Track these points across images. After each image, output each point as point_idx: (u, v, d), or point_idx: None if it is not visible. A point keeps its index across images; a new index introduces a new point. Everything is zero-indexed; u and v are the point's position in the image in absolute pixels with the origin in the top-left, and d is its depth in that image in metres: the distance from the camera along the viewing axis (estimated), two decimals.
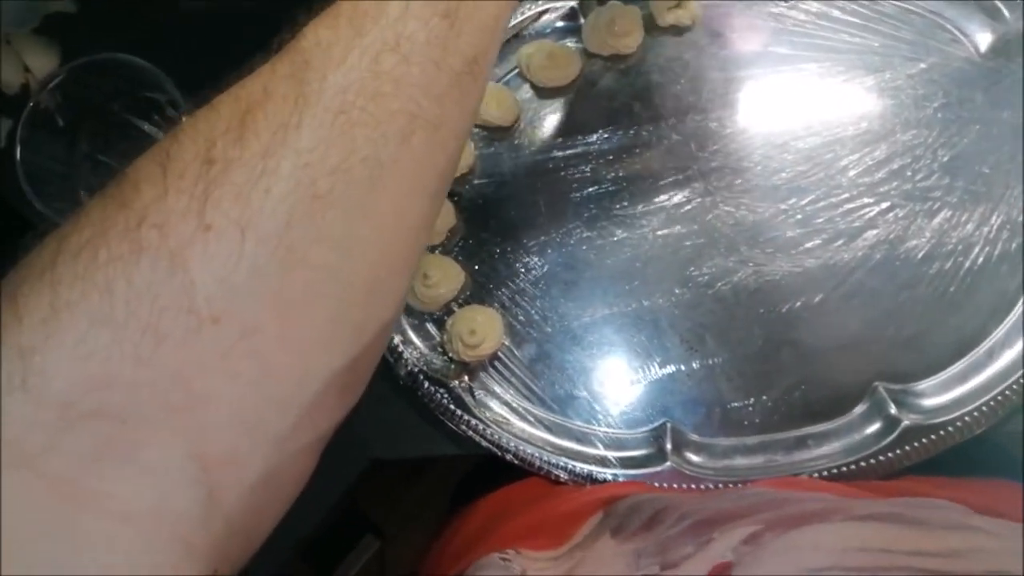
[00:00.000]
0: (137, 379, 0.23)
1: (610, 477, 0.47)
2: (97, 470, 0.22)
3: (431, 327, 0.50)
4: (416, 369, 0.49)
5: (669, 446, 0.47)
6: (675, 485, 0.46)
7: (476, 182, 0.52)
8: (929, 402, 0.46)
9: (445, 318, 0.50)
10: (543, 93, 0.52)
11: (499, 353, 0.50)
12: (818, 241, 0.48)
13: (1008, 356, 0.45)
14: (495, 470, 0.48)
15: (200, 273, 0.24)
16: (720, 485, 0.46)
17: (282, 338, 0.25)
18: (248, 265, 0.24)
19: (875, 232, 0.47)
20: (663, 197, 0.50)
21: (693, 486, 0.46)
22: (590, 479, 0.47)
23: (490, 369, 0.50)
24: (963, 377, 0.46)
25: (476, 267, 0.51)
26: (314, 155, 0.25)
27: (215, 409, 0.24)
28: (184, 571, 0.24)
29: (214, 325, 0.24)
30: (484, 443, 0.48)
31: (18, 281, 0.24)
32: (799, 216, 0.48)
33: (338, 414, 0.29)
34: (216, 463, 0.24)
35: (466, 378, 0.49)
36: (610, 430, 0.48)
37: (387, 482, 0.84)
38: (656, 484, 0.46)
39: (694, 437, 0.47)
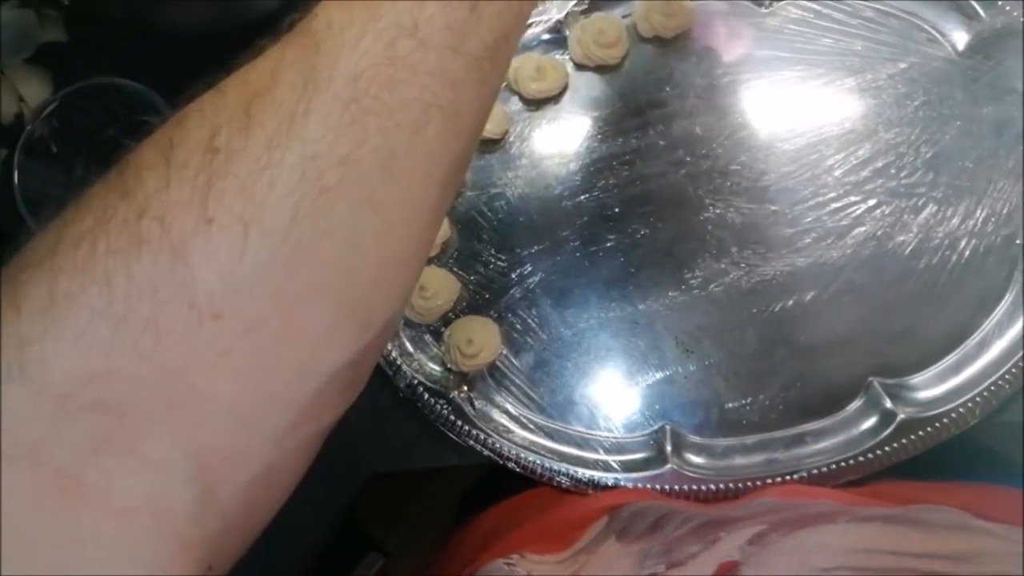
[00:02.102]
0: (137, 374, 0.23)
1: (612, 481, 0.48)
2: (95, 463, 0.22)
3: (429, 339, 0.51)
4: (415, 381, 0.49)
5: (669, 448, 0.47)
6: (677, 487, 0.47)
7: (469, 194, 0.52)
8: (924, 395, 0.46)
9: (442, 330, 0.50)
10: (532, 105, 0.53)
11: (497, 362, 0.50)
12: (807, 240, 0.48)
13: (999, 346, 0.46)
14: (498, 484, 0.49)
15: (201, 268, 0.23)
16: (721, 486, 0.46)
17: (285, 334, 0.25)
18: (251, 260, 0.24)
19: (863, 229, 0.48)
20: (651, 203, 0.50)
21: (694, 487, 0.46)
22: (592, 484, 0.47)
23: (489, 379, 0.50)
24: (956, 369, 0.46)
25: (472, 278, 0.51)
26: (322, 145, 0.24)
27: (215, 405, 0.24)
28: (179, 567, 0.23)
29: (215, 321, 0.23)
30: (485, 452, 0.48)
31: (18, 269, 0.23)
32: (788, 216, 0.49)
33: (339, 410, 0.28)
34: (214, 460, 0.24)
35: (465, 388, 0.49)
36: (610, 434, 0.49)
37: (390, 498, 0.83)
38: (658, 487, 0.47)
39: (693, 438, 0.48)
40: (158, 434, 0.23)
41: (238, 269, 0.23)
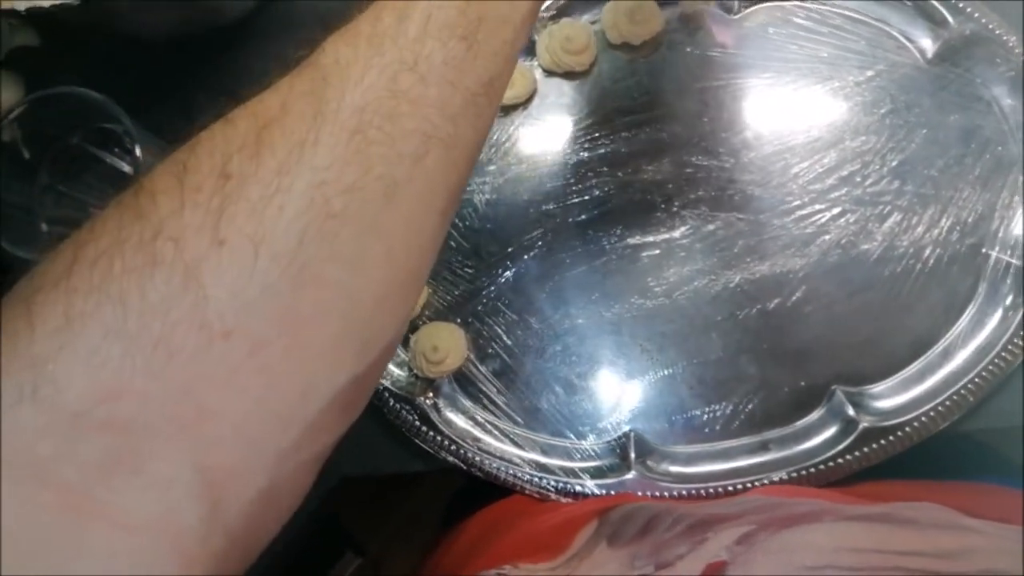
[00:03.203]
0: (148, 391, 0.23)
1: (578, 488, 0.48)
2: (105, 481, 0.23)
3: None
4: (381, 387, 0.50)
5: (633, 455, 0.47)
6: (643, 493, 0.47)
7: None
8: (886, 403, 0.46)
9: (409, 336, 0.50)
10: (500, 111, 0.53)
11: (463, 369, 0.50)
12: (772, 248, 0.49)
13: (962, 356, 0.46)
14: (489, 485, 0.49)
15: (213, 288, 0.24)
16: (684, 492, 0.46)
17: (289, 354, 0.25)
18: (260, 281, 0.25)
19: (827, 238, 0.48)
20: (618, 210, 0.50)
21: (658, 494, 0.47)
22: (556, 491, 0.48)
23: (455, 385, 0.50)
24: (919, 378, 0.46)
25: (438, 284, 0.51)
26: (329, 173, 0.26)
27: (221, 424, 0.24)
28: None
29: (225, 340, 0.24)
30: (451, 459, 0.49)
31: (32, 289, 0.24)
32: (753, 224, 0.49)
33: (339, 430, 0.29)
34: (220, 477, 0.24)
35: (431, 394, 0.50)
36: (575, 441, 0.49)
37: (371, 499, 0.84)
38: (631, 493, 0.47)
39: (658, 445, 0.48)
40: (167, 452, 0.23)
41: (248, 289, 0.24)
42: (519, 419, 0.50)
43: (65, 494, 0.22)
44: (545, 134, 0.52)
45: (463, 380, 0.50)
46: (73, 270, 0.24)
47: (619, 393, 0.49)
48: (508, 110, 0.53)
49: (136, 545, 0.23)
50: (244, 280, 0.24)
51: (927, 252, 0.47)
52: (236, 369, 0.24)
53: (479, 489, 0.49)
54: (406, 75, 0.27)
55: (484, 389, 0.50)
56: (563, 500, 0.48)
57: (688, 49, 0.52)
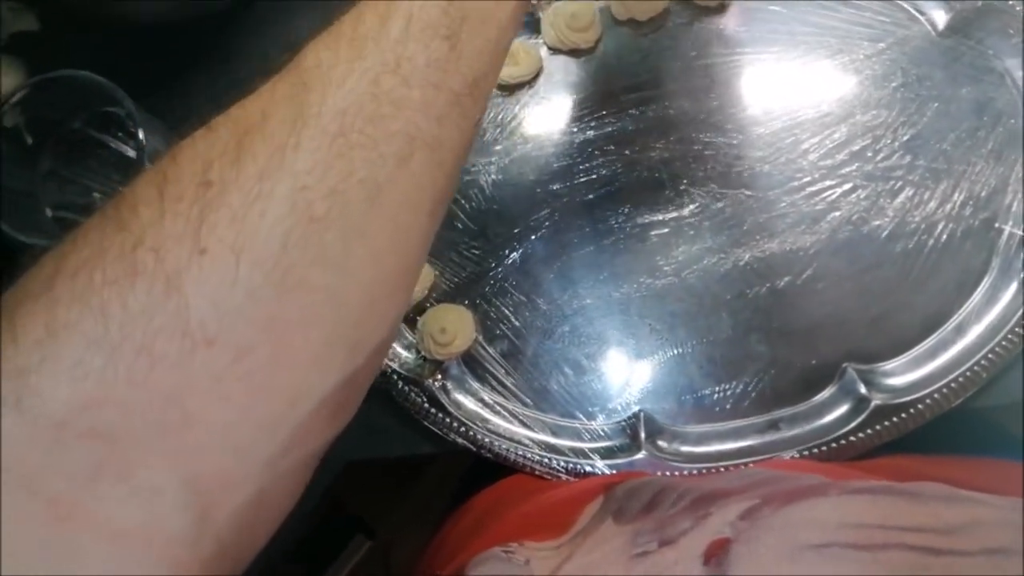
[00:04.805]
0: (131, 400, 0.23)
1: (587, 469, 0.47)
2: (90, 490, 0.23)
3: (403, 327, 0.51)
4: (389, 370, 0.49)
5: (643, 435, 0.47)
6: (652, 473, 0.46)
7: None
8: (898, 381, 0.46)
9: (417, 318, 0.50)
10: (505, 90, 0.52)
11: (471, 350, 0.50)
12: (782, 226, 0.48)
13: (976, 331, 0.46)
14: (498, 466, 0.48)
15: (195, 296, 0.24)
16: (695, 472, 0.46)
17: (275, 360, 0.25)
18: (243, 288, 0.24)
19: (838, 214, 0.48)
20: (627, 189, 0.50)
21: (670, 474, 0.46)
22: (566, 471, 0.47)
23: (463, 366, 0.50)
24: (932, 354, 0.46)
25: (445, 266, 0.51)
26: (311, 177, 0.25)
27: (207, 431, 0.24)
28: None
29: (208, 348, 0.24)
30: (460, 441, 0.48)
31: (15, 302, 0.24)
32: (762, 201, 0.48)
33: (330, 433, 0.29)
34: (208, 485, 0.25)
35: (439, 376, 0.49)
36: (584, 422, 0.49)
37: (380, 482, 0.84)
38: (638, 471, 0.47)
39: (667, 425, 0.48)
40: (152, 460, 0.24)
41: (230, 297, 0.24)
42: (528, 400, 0.49)
43: (53, 504, 0.22)
44: (551, 113, 0.52)
45: (471, 362, 0.50)
46: (55, 282, 0.24)
47: (628, 373, 0.49)
48: (513, 89, 0.52)
49: (124, 553, 0.23)
50: (226, 287, 0.24)
51: (939, 227, 0.47)
52: (220, 377, 0.24)
53: (488, 471, 0.49)
54: (388, 77, 0.27)
55: (492, 370, 0.50)
56: (572, 480, 0.47)
57: (694, 24, 0.51)
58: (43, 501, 0.22)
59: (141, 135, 0.42)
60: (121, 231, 0.24)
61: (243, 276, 0.24)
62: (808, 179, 0.48)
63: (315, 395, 0.27)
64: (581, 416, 0.49)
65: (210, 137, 0.26)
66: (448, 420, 0.49)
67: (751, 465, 0.45)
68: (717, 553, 0.32)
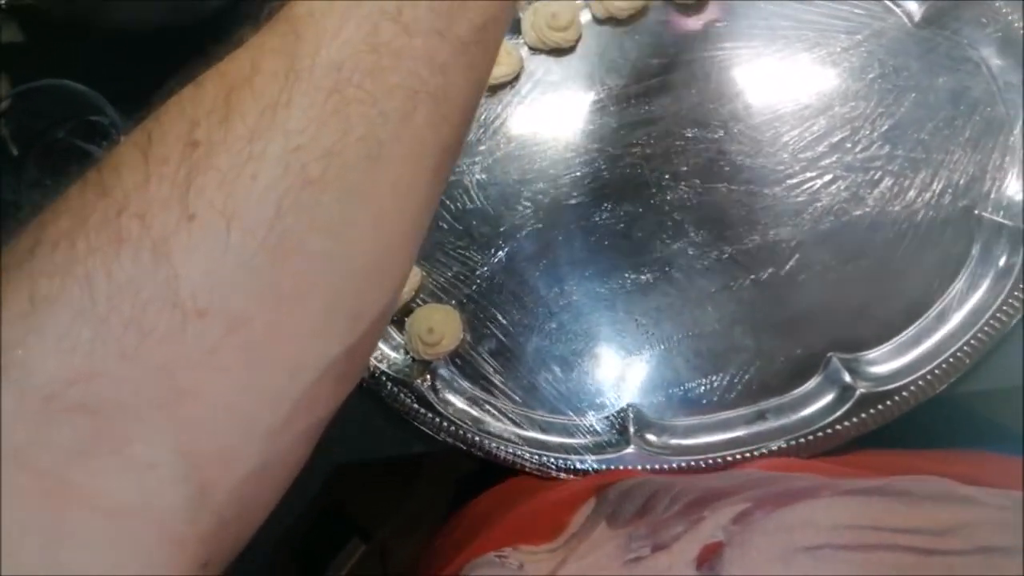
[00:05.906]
0: (121, 374, 0.22)
1: (578, 464, 0.48)
2: (82, 464, 0.22)
3: (391, 328, 0.51)
4: (379, 371, 0.50)
5: (632, 429, 0.47)
6: (642, 467, 0.47)
7: None
8: (882, 369, 0.46)
9: (404, 319, 0.50)
10: (487, 90, 0.52)
11: (460, 350, 0.50)
12: (764, 218, 0.48)
13: (958, 318, 0.46)
14: (496, 467, 0.49)
15: (184, 265, 0.23)
16: (684, 464, 0.47)
17: (273, 330, 0.24)
18: (235, 256, 0.23)
19: (820, 205, 0.48)
20: (610, 185, 0.50)
21: (658, 467, 0.47)
22: (557, 468, 0.48)
23: (452, 366, 0.50)
24: (915, 342, 0.47)
25: (432, 266, 0.51)
26: (305, 137, 0.24)
27: (204, 404, 0.23)
28: (173, 565, 0.23)
29: (200, 319, 0.23)
30: (450, 440, 0.49)
31: None
32: (744, 195, 0.49)
33: (334, 403, 0.28)
34: (206, 459, 0.24)
35: (428, 376, 0.50)
36: (574, 418, 0.49)
37: (379, 485, 0.84)
38: (630, 468, 0.47)
39: (656, 419, 0.48)
40: (145, 434, 0.23)
41: (222, 266, 0.23)
42: (517, 398, 0.50)
43: (42, 479, 0.22)
44: (534, 112, 0.52)
45: (460, 361, 0.50)
46: (36, 252, 0.23)
47: (616, 368, 0.49)
48: (495, 89, 0.52)
49: (119, 528, 0.22)
50: (217, 256, 0.23)
51: (920, 216, 0.47)
52: (214, 348, 0.23)
53: (486, 472, 0.49)
54: (388, 25, 0.24)
55: (481, 369, 0.50)
56: (564, 477, 0.48)
57: (674, 22, 0.51)
58: (33, 475, 0.21)
59: None
60: (104, 197, 0.23)
61: (235, 243, 0.23)
62: (789, 171, 0.49)
63: (317, 366, 0.25)
64: (570, 412, 0.49)
65: (196, 94, 0.24)
66: (438, 420, 0.49)
67: (743, 463, 0.46)
68: (710, 557, 0.32)
